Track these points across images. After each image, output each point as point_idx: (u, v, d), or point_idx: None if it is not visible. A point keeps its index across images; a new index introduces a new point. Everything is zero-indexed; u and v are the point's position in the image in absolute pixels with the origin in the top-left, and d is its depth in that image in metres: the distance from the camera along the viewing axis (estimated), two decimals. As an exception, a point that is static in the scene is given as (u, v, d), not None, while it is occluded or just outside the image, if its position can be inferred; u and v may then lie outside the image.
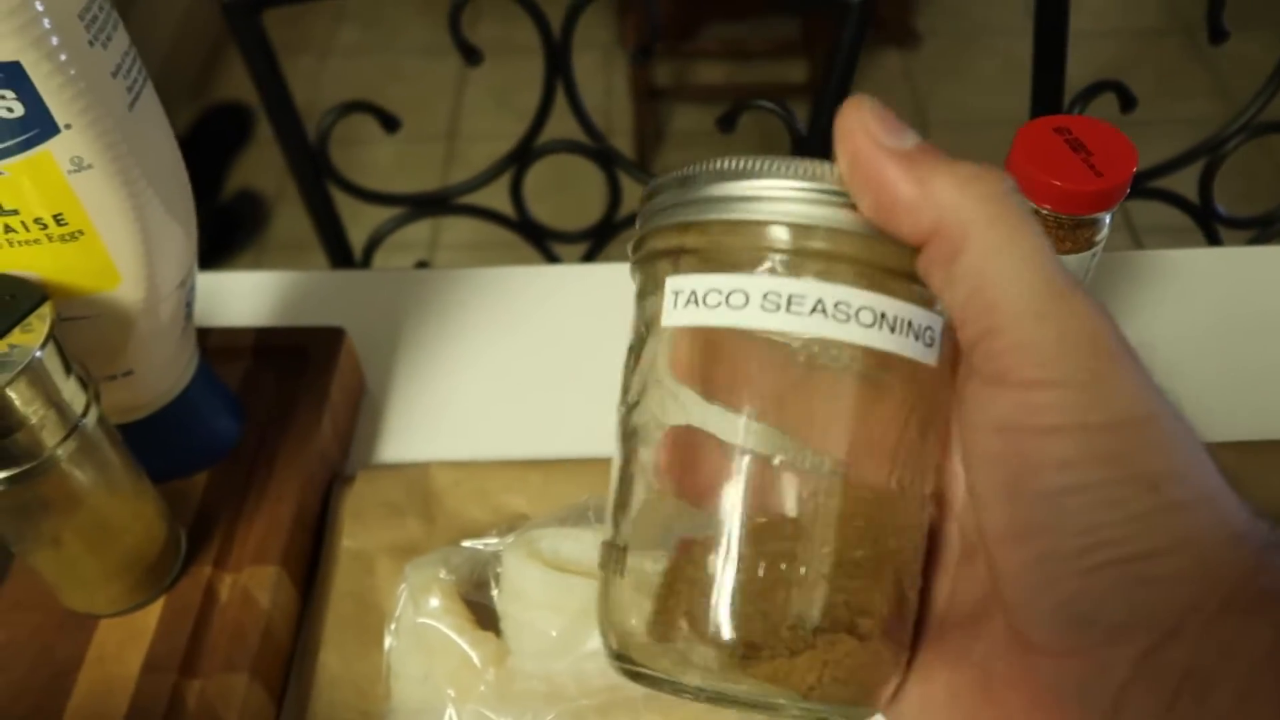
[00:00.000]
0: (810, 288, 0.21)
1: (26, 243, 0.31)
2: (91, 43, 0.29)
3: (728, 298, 0.21)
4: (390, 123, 0.73)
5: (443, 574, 0.39)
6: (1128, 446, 0.18)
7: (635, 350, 0.23)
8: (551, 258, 0.82)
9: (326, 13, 1.97)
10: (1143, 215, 1.40)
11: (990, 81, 1.76)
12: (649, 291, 0.23)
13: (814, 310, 0.21)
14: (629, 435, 0.23)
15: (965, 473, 0.21)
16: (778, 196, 0.21)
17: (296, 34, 1.87)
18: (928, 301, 0.21)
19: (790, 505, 0.21)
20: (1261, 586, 0.18)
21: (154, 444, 0.38)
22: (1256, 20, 0.91)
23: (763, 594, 0.21)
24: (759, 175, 0.21)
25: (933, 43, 1.87)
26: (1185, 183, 0.74)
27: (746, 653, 0.20)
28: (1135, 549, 0.18)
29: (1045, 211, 0.38)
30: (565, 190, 0.94)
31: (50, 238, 0.31)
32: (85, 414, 0.33)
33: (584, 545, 0.38)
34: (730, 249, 0.21)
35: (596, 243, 0.81)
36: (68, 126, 0.29)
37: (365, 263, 0.81)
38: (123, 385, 0.37)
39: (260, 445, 0.43)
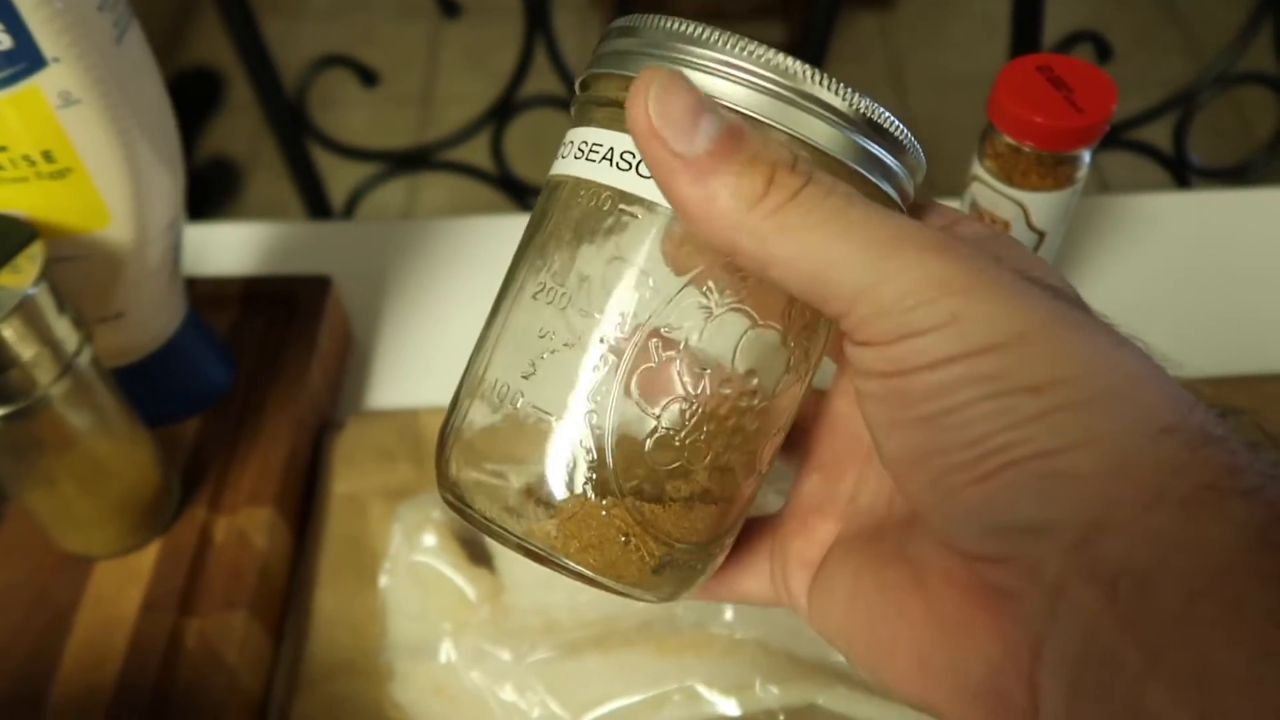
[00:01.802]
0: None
1: (15, 180, 0.31)
2: (78, -26, 0.29)
3: (590, 149, 0.22)
4: (368, 76, 0.73)
5: (436, 513, 0.39)
6: (1001, 365, 0.18)
7: (547, 201, 0.24)
8: (533, 214, 0.82)
9: (296, -26, 1.93)
10: (1116, 171, 1.41)
11: (966, 42, 1.77)
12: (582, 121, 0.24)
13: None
14: (511, 278, 0.24)
15: (859, 406, 0.21)
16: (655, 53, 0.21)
17: (266, -4, 1.84)
18: None
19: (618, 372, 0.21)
20: (1201, 480, 0.17)
21: (146, 388, 0.38)
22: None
23: (590, 481, 0.21)
24: (696, 43, 0.21)
25: (909, 4, 1.87)
26: (1159, 138, 0.75)
27: (557, 510, 0.21)
28: (1031, 449, 0.17)
29: (1027, 148, 0.38)
30: (545, 147, 0.93)
31: (39, 175, 0.31)
32: (78, 353, 0.33)
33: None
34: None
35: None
36: (55, 59, 0.29)
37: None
38: (114, 328, 0.37)
39: (250, 391, 0.43)
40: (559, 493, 0.21)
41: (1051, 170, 0.39)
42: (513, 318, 0.23)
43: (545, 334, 0.22)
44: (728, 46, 0.20)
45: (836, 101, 0.21)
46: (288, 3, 1.90)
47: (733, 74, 0.20)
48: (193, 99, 1.72)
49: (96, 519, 0.37)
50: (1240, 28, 0.70)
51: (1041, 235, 0.41)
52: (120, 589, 0.37)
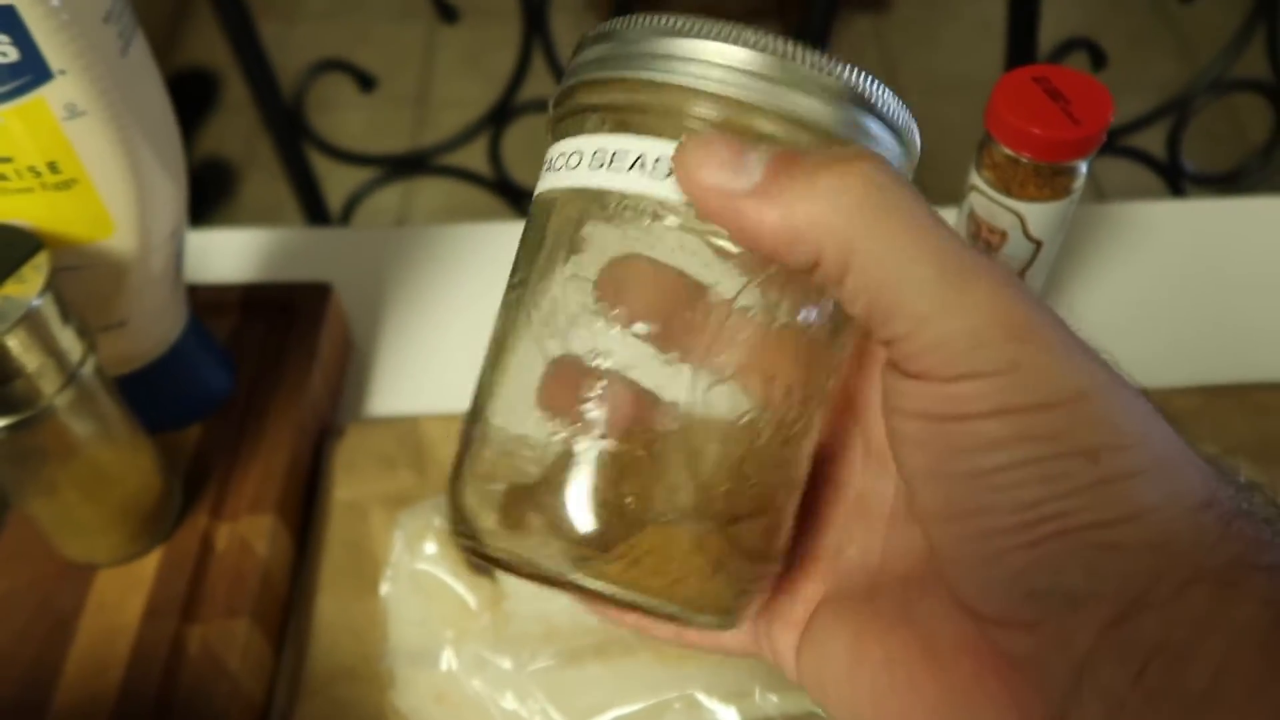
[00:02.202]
0: (631, 142, 0.20)
1: (20, 191, 0.31)
2: (84, -13, 0.29)
3: (568, 159, 0.21)
4: (365, 81, 0.73)
5: (437, 521, 0.40)
6: (1060, 425, 0.17)
7: (528, 225, 0.23)
8: (530, 219, 0.82)
9: (292, -24, 1.93)
10: (1111, 177, 1.42)
11: (960, 45, 1.77)
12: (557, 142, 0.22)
13: (633, 166, 0.20)
14: (509, 309, 0.22)
15: (891, 449, 0.20)
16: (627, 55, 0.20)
17: (262, -2, 1.84)
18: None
19: (661, 407, 0.20)
20: (1232, 556, 0.17)
21: (148, 396, 0.38)
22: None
23: (621, 487, 0.20)
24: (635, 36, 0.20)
25: (904, 7, 1.88)
26: (1153, 144, 0.75)
27: (601, 547, 0.20)
28: (1085, 519, 0.17)
29: (1025, 159, 0.39)
30: (543, 152, 0.94)
31: (44, 186, 0.31)
32: (83, 363, 0.33)
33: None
34: (642, 111, 0.21)
35: (575, 203, 0.81)
36: (62, 72, 0.29)
37: (343, 225, 0.81)
38: (116, 336, 0.37)
39: (251, 398, 0.43)
40: (621, 529, 0.20)
41: (1049, 181, 0.39)
42: (527, 355, 0.21)
43: (594, 354, 0.20)
44: (706, 32, 0.20)
45: (831, 78, 0.20)
46: (284, 4, 1.90)
47: (717, 60, 0.20)
48: (188, 99, 1.72)
49: (98, 526, 0.37)
50: (1234, 33, 0.71)
51: (1039, 245, 0.42)
52: (122, 596, 0.37)
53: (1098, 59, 0.68)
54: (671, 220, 0.20)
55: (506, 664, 0.36)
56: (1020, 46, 0.74)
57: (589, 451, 0.20)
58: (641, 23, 0.21)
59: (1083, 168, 0.40)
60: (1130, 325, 0.51)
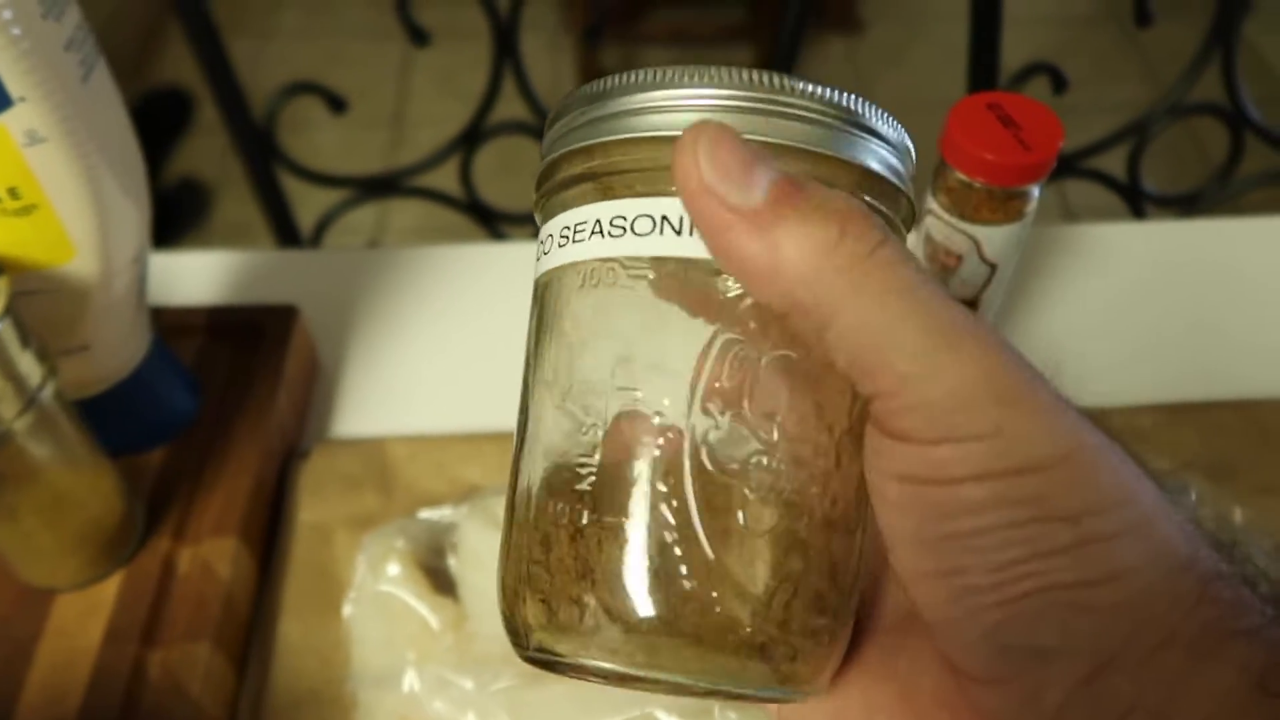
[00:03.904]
0: (630, 206, 0.19)
1: (-20, 216, 0.32)
2: (44, 15, 0.29)
3: (574, 233, 0.20)
4: (337, 104, 0.73)
5: (400, 543, 0.40)
6: (1041, 489, 0.17)
7: (534, 303, 0.22)
8: (501, 240, 0.83)
9: (268, -5, 1.94)
10: (1078, 196, 1.44)
11: (931, 67, 1.80)
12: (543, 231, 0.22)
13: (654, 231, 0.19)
14: (526, 394, 0.21)
15: (873, 507, 0.19)
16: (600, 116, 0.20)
17: (237, 16, 1.84)
18: None
19: (720, 472, 0.19)
20: (1209, 620, 0.17)
21: (111, 419, 0.38)
22: (1188, 6, 0.94)
23: (683, 568, 0.18)
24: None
25: (877, 29, 1.90)
26: (1118, 164, 0.77)
27: (666, 631, 0.18)
28: (1062, 579, 0.17)
29: (978, 184, 0.39)
30: (514, 173, 0.94)
31: (4, 212, 0.31)
32: (43, 387, 0.33)
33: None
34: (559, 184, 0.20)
35: (546, 224, 0.81)
36: (22, 99, 0.29)
37: (314, 246, 0.81)
38: (78, 360, 0.37)
39: (217, 421, 0.43)
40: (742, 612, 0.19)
41: (1002, 205, 0.40)
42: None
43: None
44: (691, 79, 0.19)
45: (819, 105, 0.19)
46: (257, 23, 1.90)
47: (702, 103, 0.19)
48: (163, 119, 1.71)
49: (58, 551, 0.37)
50: (1191, 59, 0.72)
51: (994, 267, 0.42)
52: (82, 620, 0.37)
53: (1059, 83, 0.70)
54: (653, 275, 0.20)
55: (469, 684, 0.36)
56: (981, 71, 0.75)
57: (638, 531, 0.19)
58: (627, 80, 0.20)
59: (1035, 192, 0.41)
60: (1089, 344, 0.52)
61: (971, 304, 0.44)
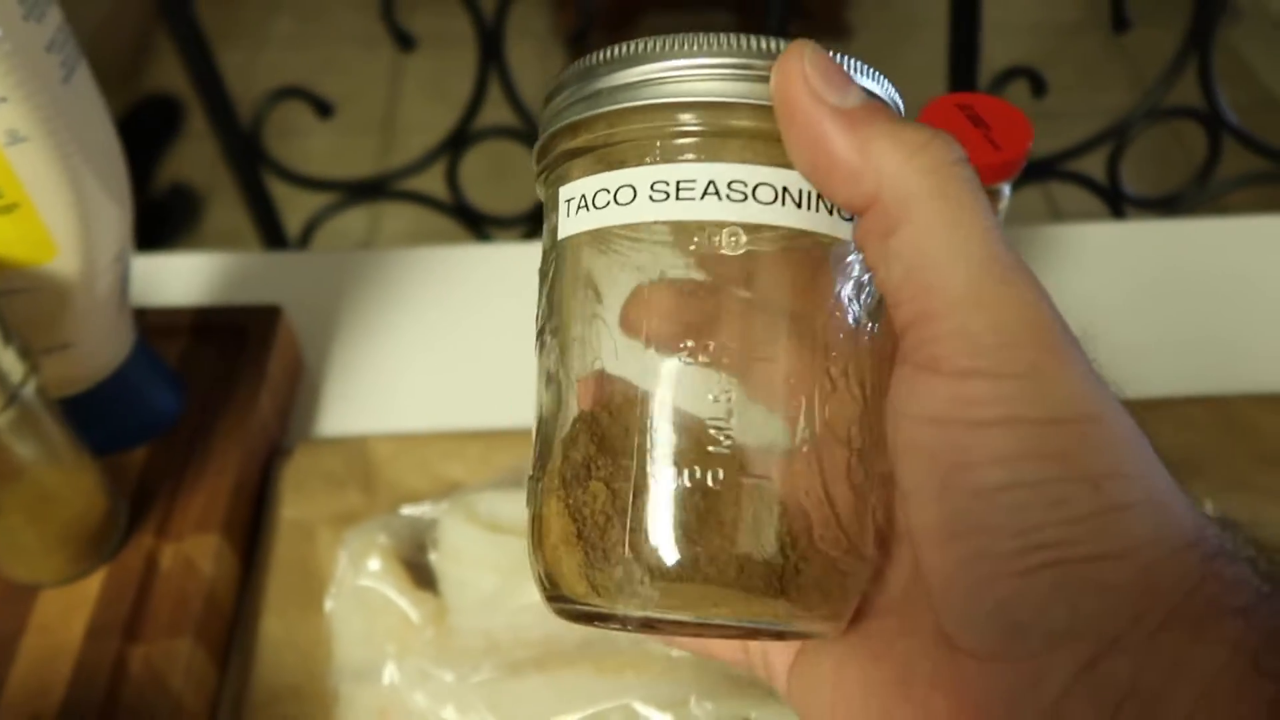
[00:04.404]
0: (697, 170, 0.19)
1: (-38, 215, 0.32)
2: (25, 17, 0.30)
3: (615, 195, 0.20)
4: (324, 108, 0.74)
5: (381, 538, 0.40)
6: (1070, 444, 0.17)
7: (543, 272, 0.22)
8: (486, 242, 0.83)
9: (259, 2, 1.94)
10: (1065, 198, 1.45)
11: (918, 71, 1.79)
12: (551, 207, 0.22)
13: (706, 193, 0.19)
14: (543, 360, 0.22)
15: (894, 462, 0.19)
16: (647, 79, 0.20)
17: (228, 23, 1.85)
18: None
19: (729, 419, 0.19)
20: (1207, 597, 0.17)
21: (94, 417, 0.39)
22: (1170, 12, 0.95)
23: (706, 509, 0.19)
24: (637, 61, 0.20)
25: (864, 34, 1.91)
26: (1097, 169, 0.77)
27: (693, 574, 0.19)
28: (1078, 552, 0.17)
29: (950, 183, 0.40)
30: (502, 177, 0.95)
31: (-14, 210, 0.32)
32: (24, 383, 0.33)
33: (521, 508, 0.39)
34: (618, 143, 0.20)
35: (533, 227, 0.82)
36: (3, 99, 0.30)
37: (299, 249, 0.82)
38: (61, 359, 0.37)
39: (200, 420, 0.43)
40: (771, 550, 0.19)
41: (974, 203, 0.41)
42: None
43: (714, 398, 0.20)
44: (690, 46, 0.20)
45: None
46: (248, 30, 1.90)
47: (705, 69, 0.20)
48: (153, 125, 1.72)
49: (42, 548, 0.37)
50: (1168, 62, 0.73)
51: (968, 265, 0.43)
52: (65, 616, 0.37)
53: (1038, 87, 0.70)
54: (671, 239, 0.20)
55: (448, 677, 0.37)
56: (961, 74, 0.76)
57: (665, 483, 0.19)
58: (599, 58, 0.21)
59: (1006, 190, 0.41)
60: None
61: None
